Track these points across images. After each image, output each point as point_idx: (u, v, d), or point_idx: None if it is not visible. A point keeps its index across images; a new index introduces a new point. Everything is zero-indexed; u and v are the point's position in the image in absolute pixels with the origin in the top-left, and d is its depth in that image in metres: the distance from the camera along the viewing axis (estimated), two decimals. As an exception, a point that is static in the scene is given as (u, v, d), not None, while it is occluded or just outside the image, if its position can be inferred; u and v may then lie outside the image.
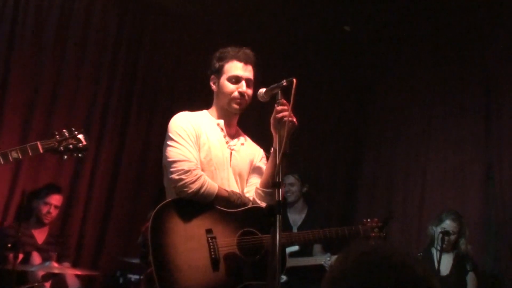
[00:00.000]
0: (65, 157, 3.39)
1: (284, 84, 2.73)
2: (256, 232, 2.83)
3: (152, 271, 2.62)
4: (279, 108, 2.76)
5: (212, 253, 2.71)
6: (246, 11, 6.08)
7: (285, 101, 2.77)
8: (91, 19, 5.67)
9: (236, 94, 2.98)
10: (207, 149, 2.91)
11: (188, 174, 2.76)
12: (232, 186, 2.97)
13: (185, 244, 2.70)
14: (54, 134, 3.36)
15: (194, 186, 2.75)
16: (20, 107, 5.23)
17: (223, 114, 3.06)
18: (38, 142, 3.26)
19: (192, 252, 2.70)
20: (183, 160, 2.80)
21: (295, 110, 2.79)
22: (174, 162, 2.80)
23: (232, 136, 3.11)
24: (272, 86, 2.84)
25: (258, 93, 2.90)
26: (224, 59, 3.03)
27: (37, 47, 5.35)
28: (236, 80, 2.98)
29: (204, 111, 3.12)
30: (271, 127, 2.86)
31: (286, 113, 2.74)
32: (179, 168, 2.78)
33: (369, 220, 3.24)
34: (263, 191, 2.97)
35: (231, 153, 3.02)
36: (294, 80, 2.64)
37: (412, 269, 1.28)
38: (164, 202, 2.78)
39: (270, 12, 6.07)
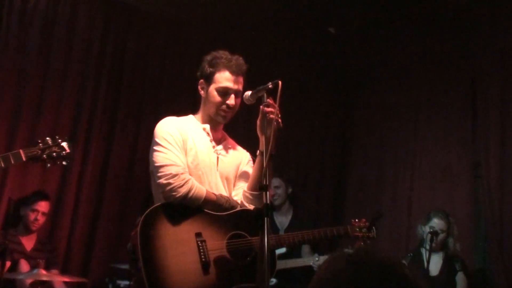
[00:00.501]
0: (48, 165, 3.42)
1: (270, 86, 2.73)
2: (245, 234, 2.82)
3: (142, 276, 2.59)
4: (268, 109, 2.75)
5: (202, 256, 2.69)
6: (231, 15, 6.08)
7: (272, 102, 2.77)
8: (76, 25, 5.64)
9: (223, 106, 2.97)
10: (194, 153, 2.90)
11: (176, 178, 2.75)
12: (219, 190, 2.96)
13: (175, 248, 2.68)
14: (37, 142, 3.37)
15: (182, 190, 2.74)
16: (5, 115, 5.19)
17: (209, 119, 3.06)
18: (21, 150, 3.27)
19: (182, 256, 2.68)
20: (170, 164, 2.79)
21: (282, 112, 2.80)
22: (161, 166, 2.79)
23: (218, 140, 3.10)
24: (258, 88, 2.84)
25: (244, 95, 2.91)
26: (215, 66, 2.99)
27: (21, 54, 5.31)
28: (225, 92, 2.96)
29: (190, 116, 3.11)
30: (257, 129, 2.87)
31: (273, 113, 2.74)
32: (167, 172, 2.77)
33: (357, 220, 3.26)
34: (251, 194, 2.97)
35: (217, 157, 3.02)
36: (280, 82, 2.65)
37: (400, 272, 1.30)
38: (152, 207, 2.76)
39: (255, 15, 6.07)
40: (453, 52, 6.22)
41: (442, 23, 5.99)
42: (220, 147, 3.07)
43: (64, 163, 3.45)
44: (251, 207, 2.94)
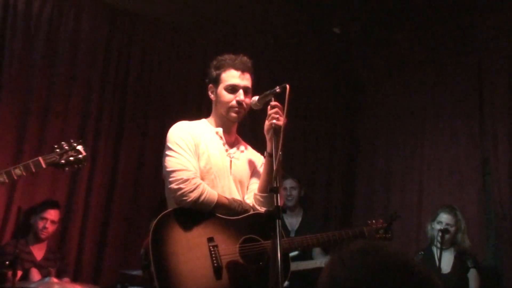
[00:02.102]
0: (67, 169, 3.46)
1: (278, 90, 2.75)
2: (258, 238, 2.81)
3: (154, 282, 2.59)
4: (273, 111, 2.78)
5: (215, 262, 2.68)
6: (235, 18, 6.07)
7: (277, 103, 2.78)
8: (80, 32, 5.65)
9: (233, 103, 2.97)
10: (207, 157, 2.90)
11: (186, 183, 2.75)
12: (233, 193, 2.96)
13: (187, 253, 2.68)
14: (54, 148, 3.42)
15: (193, 195, 2.74)
16: (13, 124, 5.21)
17: (222, 122, 3.06)
18: (40, 158, 3.33)
19: (194, 261, 2.67)
20: (182, 169, 2.79)
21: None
22: (173, 171, 2.80)
23: (232, 144, 3.10)
24: (265, 93, 2.86)
25: (251, 101, 2.93)
26: (221, 67, 3.03)
27: (27, 63, 5.32)
28: (233, 89, 2.98)
29: (203, 120, 3.12)
30: (265, 130, 2.88)
31: (277, 116, 2.76)
32: (178, 177, 2.77)
33: (373, 221, 3.23)
34: (261, 196, 2.96)
35: (231, 161, 3.02)
36: (288, 86, 2.67)
37: (414, 270, 1.28)
38: (165, 212, 2.76)
39: (258, 18, 6.07)
40: (459, 48, 6.20)
41: (447, 19, 5.98)
42: (233, 150, 3.07)
43: (80, 166, 3.50)
44: (263, 209, 2.92)
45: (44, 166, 3.33)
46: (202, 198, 2.76)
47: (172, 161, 2.83)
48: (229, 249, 2.75)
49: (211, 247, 2.71)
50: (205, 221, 2.78)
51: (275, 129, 2.72)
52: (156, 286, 2.58)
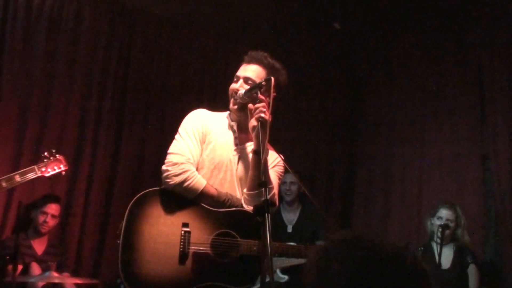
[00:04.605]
0: (51, 177, 4.20)
1: (263, 83, 2.77)
2: (234, 235, 2.80)
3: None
4: (258, 105, 2.76)
5: (181, 246, 2.71)
6: (236, 13, 6.07)
7: (262, 97, 2.77)
8: (80, 28, 5.67)
9: (233, 93, 2.98)
10: (212, 147, 2.94)
11: (174, 166, 2.80)
12: (231, 188, 2.95)
13: (158, 232, 2.72)
14: (43, 158, 4.07)
15: (176, 179, 2.78)
16: (12, 121, 5.23)
17: (238, 117, 3.05)
18: (35, 166, 4.05)
19: (162, 242, 2.71)
20: (176, 153, 2.86)
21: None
22: (168, 154, 2.88)
23: (243, 140, 3.07)
24: (251, 86, 2.88)
25: (238, 94, 2.93)
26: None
27: (27, 59, 5.35)
28: (237, 79, 3.01)
29: (226, 113, 3.15)
30: (250, 128, 2.85)
31: (264, 110, 2.73)
32: (169, 159, 2.84)
33: None
34: (248, 194, 2.90)
35: (239, 157, 3.01)
36: (272, 79, 2.69)
37: (403, 258, 1.27)
38: (149, 190, 2.83)
39: (259, 13, 6.06)
40: (460, 46, 6.18)
41: (447, 16, 5.96)
42: (243, 147, 3.05)
43: (62, 173, 4.25)
44: (250, 208, 2.87)
45: (38, 174, 3.94)
46: (186, 184, 2.78)
47: (173, 145, 2.92)
48: (201, 238, 2.76)
49: (183, 232, 2.74)
50: (185, 207, 2.81)
51: (262, 122, 2.70)
52: (119, 257, 2.65)
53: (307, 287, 1.30)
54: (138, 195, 2.78)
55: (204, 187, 2.82)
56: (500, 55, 5.75)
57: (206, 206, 2.84)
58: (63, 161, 4.16)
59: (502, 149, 5.57)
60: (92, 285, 5.19)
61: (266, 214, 2.25)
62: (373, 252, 1.26)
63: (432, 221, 5.05)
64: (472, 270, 4.88)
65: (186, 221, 2.77)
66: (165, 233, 2.73)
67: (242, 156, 3.03)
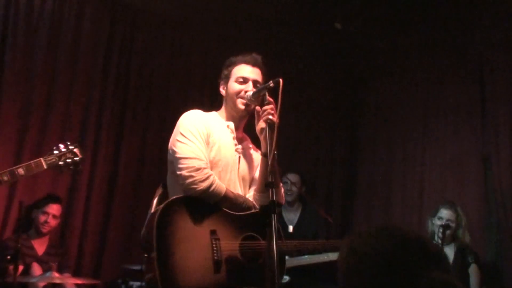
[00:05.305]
0: (64, 171, 3.61)
1: (271, 85, 2.76)
2: (258, 237, 2.83)
3: (153, 264, 2.59)
4: (267, 107, 2.78)
5: (215, 255, 2.70)
6: (237, 13, 6.06)
7: (271, 99, 2.79)
8: (82, 26, 5.66)
9: (242, 93, 2.98)
10: (217, 149, 2.91)
11: (198, 172, 2.75)
12: (236, 189, 2.97)
13: (189, 242, 2.68)
14: (52, 149, 3.54)
15: (204, 184, 2.74)
16: (14, 119, 5.22)
17: (232, 117, 3.07)
18: (42, 159, 3.47)
19: (195, 251, 2.68)
20: (194, 157, 2.79)
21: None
22: (185, 158, 2.79)
23: (240, 140, 3.10)
24: (259, 88, 2.89)
25: (246, 96, 2.94)
26: (232, 64, 3.09)
27: (29, 57, 5.34)
28: (243, 80, 3.01)
29: (214, 113, 3.12)
30: (257, 131, 2.90)
31: (272, 112, 2.76)
32: (190, 165, 2.77)
33: None
34: (260, 195, 2.96)
35: (239, 157, 3.03)
36: (281, 81, 2.66)
37: (428, 243, 1.39)
38: (173, 198, 2.77)
39: (260, 12, 6.05)
40: (461, 44, 6.18)
41: (448, 15, 5.96)
42: (241, 146, 3.08)
43: (77, 168, 3.65)
44: None
45: (45, 167, 3.46)
46: (212, 188, 2.76)
47: (183, 148, 2.82)
48: (230, 244, 2.76)
49: (213, 240, 2.72)
50: (210, 213, 2.78)
51: (270, 125, 2.72)
52: (155, 268, 2.58)
53: (340, 282, 1.39)
54: (163, 206, 2.70)
55: (225, 191, 2.82)
56: (502, 53, 5.74)
57: (228, 211, 2.83)
58: (77, 153, 3.66)
59: (503, 148, 5.59)
60: (93, 286, 5.19)
61: (273, 215, 2.26)
62: (400, 241, 1.36)
63: (433, 221, 5.05)
64: (473, 270, 4.88)
65: (213, 228, 2.75)
66: (196, 243, 2.70)
67: (242, 156, 3.06)
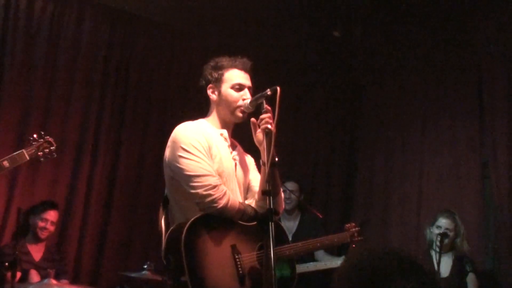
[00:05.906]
0: (42, 159, 4.07)
1: (269, 93, 2.72)
2: None
3: (187, 285, 2.55)
4: (265, 115, 2.73)
5: (240, 270, 2.68)
6: (235, 20, 6.07)
7: (269, 108, 2.74)
8: (81, 34, 5.67)
9: (241, 102, 2.93)
10: (219, 160, 2.85)
11: (215, 189, 2.70)
12: (238, 197, 2.93)
13: (215, 263, 2.65)
14: (30, 141, 3.98)
15: (223, 202, 2.70)
16: (14, 125, 5.22)
17: (225, 123, 3.02)
18: (24, 150, 3.87)
19: (220, 269, 2.65)
20: (207, 174, 2.72)
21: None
22: (197, 176, 2.71)
23: (233, 147, 3.07)
24: (256, 96, 2.85)
25: (243, 104, 2.90)
26: (222, 68, 2.99)
27: (28, 63, 5.34)
28: (240, 87, 2.95)
29: (202, 121, 3.03)
30: (257, 141, 2.85)
31: (270, 120, 2.71)
32: (205, 183, 2.70)
33: (348, 224, 3.67)
34: (263, 203, 2.89)
35: (235, 164, 3.00)
36: (278, 89, 2.62)
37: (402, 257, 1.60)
38: (193, 219, 2.66)
39: (259, 20, 6.07)
40: (459, 51, 6.19)
41: (446, 22, 5.97)
42: (235, 153, 3.04)
43: (53, 155, 4.11)
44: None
45: (27, 158, 3.84)
46: (229, 204, 2.73)
47: (192, 165, 2.73)
48: (249, 256, 2.75)
49: (235, 255, 2.70)
50: (226, 228, 2.75)
51: (268, 133, 2.67)
52: None
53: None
54: (186, 230, 2.61)
55: (238, 203, 2.81)
56: (500, 61, 5.74)
57: (241, 222, 2.80)
58: (52, 142, 4.11)
59: (501, 156, 5.57)
60: (91, 292, 5.18)
61: (270, 223, 2.25)
62: (377, 256, 1.61)
63: (431, 230, 5.05)
64: (471, 279, 4.88)
65: (232, 242, 2.73)
66: (221, 261, 2.67)
67: (237, 162, 3.02)
